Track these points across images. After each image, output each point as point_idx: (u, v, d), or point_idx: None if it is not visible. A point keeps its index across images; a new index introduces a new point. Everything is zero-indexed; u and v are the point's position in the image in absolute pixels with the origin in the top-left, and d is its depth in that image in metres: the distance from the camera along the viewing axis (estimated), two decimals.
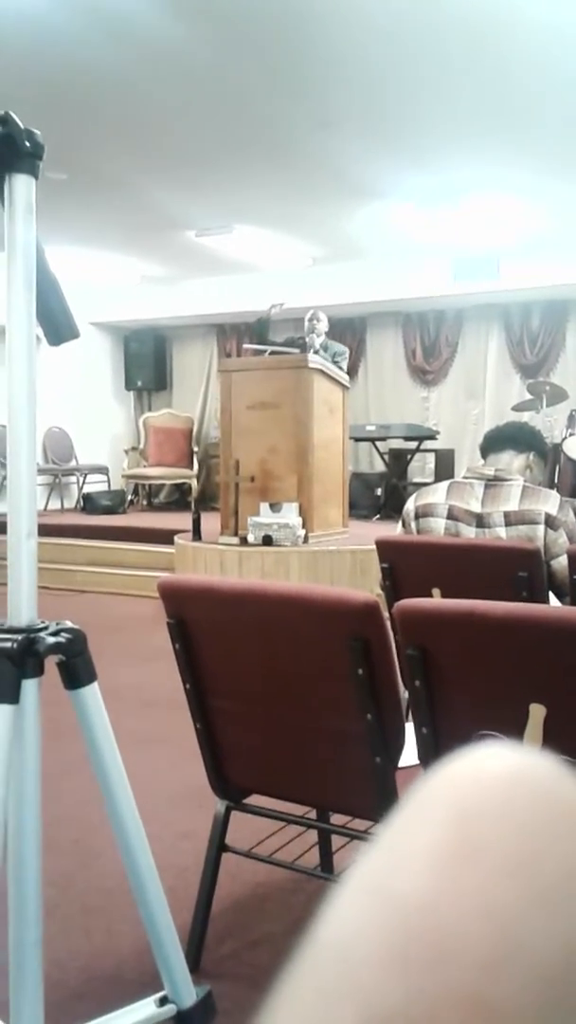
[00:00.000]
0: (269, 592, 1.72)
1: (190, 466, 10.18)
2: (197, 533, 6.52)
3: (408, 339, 9.83)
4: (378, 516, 8.48)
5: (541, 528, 2.59)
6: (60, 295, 1.21)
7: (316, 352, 6.61)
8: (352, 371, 9.53)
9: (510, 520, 2.63)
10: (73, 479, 10.06)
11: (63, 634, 1.17)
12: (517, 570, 2.44)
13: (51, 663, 1.19)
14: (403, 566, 2.71)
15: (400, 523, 2.93)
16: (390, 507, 8.35)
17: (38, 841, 1.18)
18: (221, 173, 6.29)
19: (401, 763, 1.68)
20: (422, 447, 8.77)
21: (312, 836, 2.17)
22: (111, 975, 1.91)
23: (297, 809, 1.93)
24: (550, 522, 2.59)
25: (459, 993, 0.21)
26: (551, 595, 2.61)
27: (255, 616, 1.73)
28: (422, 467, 9.22)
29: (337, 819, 1.94)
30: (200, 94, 4.94)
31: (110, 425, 10.91)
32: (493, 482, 2.70)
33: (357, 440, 8.54)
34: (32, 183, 1.15)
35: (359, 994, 0.21)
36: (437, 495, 2.78)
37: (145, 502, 10.63)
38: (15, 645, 1.13)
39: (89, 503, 9.37)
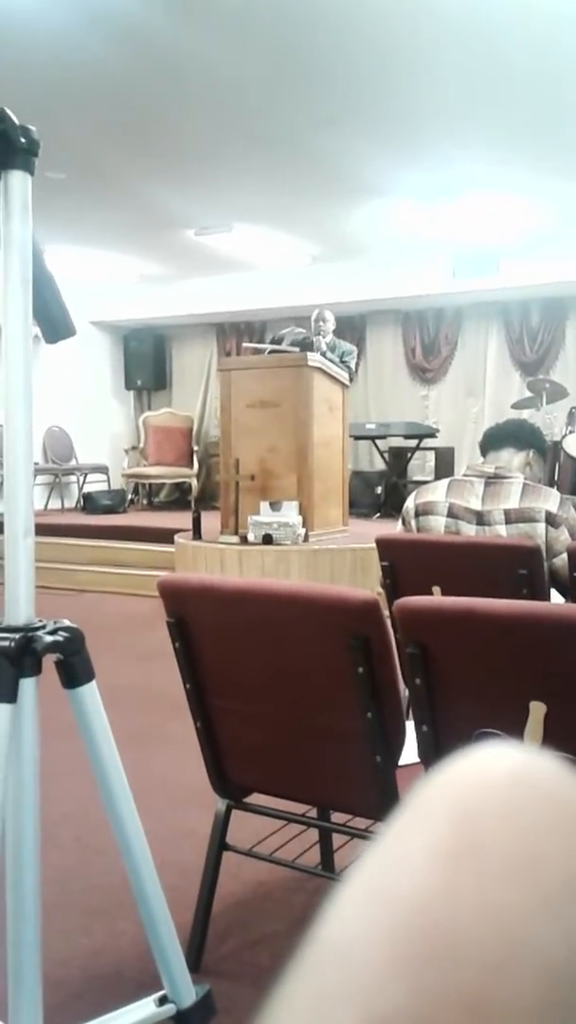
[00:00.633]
0: (269, 591, 1.72)
1: (190, 465, 10.18)
2: (197, 532, 6.52)
3: (408, 337, 9.83)
4: (378, 514, 8.48)
5: (541, 526, 2.58)
6: (56, 293, 1.21)
7: (323, 353, 6.61)
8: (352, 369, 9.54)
9: (510, 518, 2.62)
10: (73, 478, 10.06)
11: (61, 633, 1.17)
12: (517, 568, 2.44)
13: (49, 662, 1.19)
14: (403, 564, 2.70)
15: (400, 521, 2.93)
16: (390, 505, 8.35)
17: (37, 840, 1.17)
18: (220, 171, 6.29)
19: (401, 761, 1.68)
20: (422, 445, 8.77)
21: (313, 835, 2.17)
22: (111, 974, 1.90)
23: (298, 808, 1.93)
24: (551, 520, 2.58)
25: (460, 994, 0.21)
26: (553, 592, 2.60)
27: (255, 615, 1.73)
28: (422, 465, 9.22)
29: (338, 817, 1.94)
30: (199, 92, 4.94)
31: (110, 424, 10.91)
32: (493, 480, 2.69)
33: (357, 438, 8.54)
34: (28, 180, 1.14)
35: (360, 994, 0.21)
36: (437, 493, 2.78)
37: (145, 501, 10.63)
38: (13, 644, 1.12)
39: (89, 502, 9.38)
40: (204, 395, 10.88)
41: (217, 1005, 1.44)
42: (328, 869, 2.15)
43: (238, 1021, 1.60)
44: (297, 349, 6.51)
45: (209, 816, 1.99)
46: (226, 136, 5.62)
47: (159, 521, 8.24)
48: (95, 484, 10.02)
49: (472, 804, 0.25)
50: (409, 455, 8.89)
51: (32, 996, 1.17)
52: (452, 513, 2.72)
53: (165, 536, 7.22)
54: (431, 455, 8.98)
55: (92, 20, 4.11)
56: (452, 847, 0.24)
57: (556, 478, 7.46)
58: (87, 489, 9.76)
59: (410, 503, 2.86)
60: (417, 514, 2.80)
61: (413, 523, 2.81)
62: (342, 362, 6.82)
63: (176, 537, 6.80)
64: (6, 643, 1.12)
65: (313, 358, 6.25)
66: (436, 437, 8.79)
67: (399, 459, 8.94)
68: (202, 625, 1.81)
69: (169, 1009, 1.32)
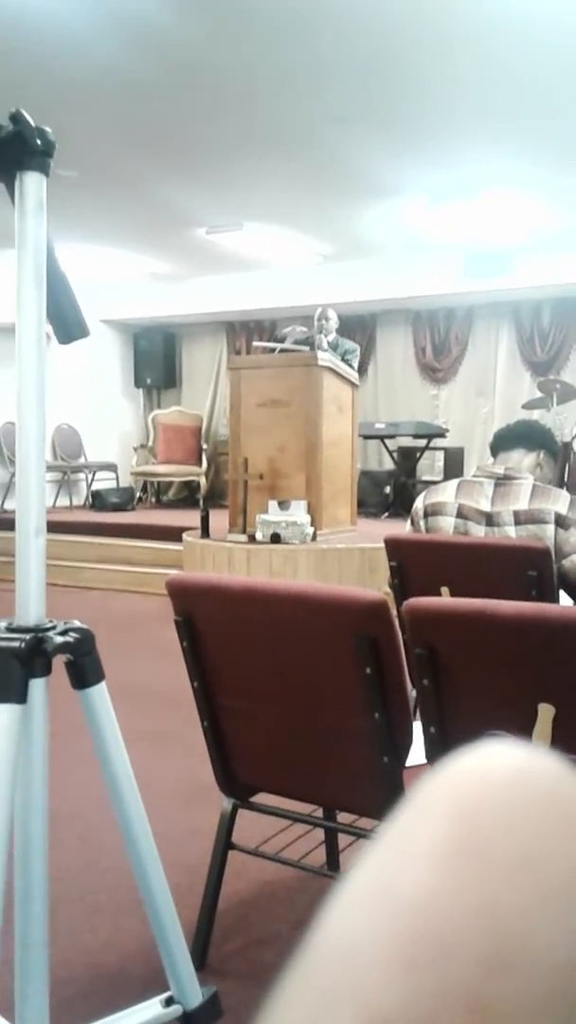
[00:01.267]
0: (277, 590, 1.72)
1: (199, 463, 10.18)
2: (205, 531, 6.52)
3: (418, 337, 9.81)
4: (387, 514, 8.47)
5: (551, 527, 2.57)
6: (70, 293, 1.21)
7: (324, 350, 6.60)
8: (361, 369, 9.50)
9: (520, 519, 2.62)
10: (82, 476, 10.08)
11: (71, 633, 1.17)
12: (527, 569, 2.43)
13: (59, 661, 1.19)
14: (412, 565, 2.70)
15: (409, 521, 2.92)
16: (399, 505, 8.34)
17: (45, 839, 1.18)
18: (231, 170, 6.29)
19: (408, 762, 1.68)
20: (431, 445, 8.76)
21: (319, 834, 2.17)
22: (117, 973, 1.91)
23: (304, 807, 1.93)
24: (560, 521, 2.57)
25: (461, 993, 0.21)
26: (562, 594, 2.60)
27: (263, 614, 1.73)
28: (431, 465, 9.21)
29: (344, 818, 1.94)
30: (210, 90, 4.94)
31: (119, 422, 10.93)
32: (503, 481, 2.69)
33: (366, 438, 8.53)
34: (43, 181, 1.14)
35: (360, 993, 0.21)
36: (446, 493, 2.77)
37: (154, 499, 10.64)
38: (23, 645, 1.12)
39: (98, 500, 9.39)
40: (213, 394, 10.88)
41: (223, 1005, 1.44)
42: (334, 869, 2.15)
43: (243, 1021, 1.60)
44: (307, 348, 6.51)
45: (214, 815, 2.00)
46: (237, 134, 5.61)
47: (167, 519, 8.25)
48: (104, 482, 10.03)
49: (473, 803, 0.25)
50: (418, 455, 8.88)
51: (39, 995, 1.17)
52: (461, 514, 2.71)
53: (173, 534, 7.22)
54: (440, 455, 8.96)
55: (105, 20, 4.11)
56: (453, 846, 0.24)
57: (566, 479, 7.44)
58: (96, 487, 9.77)
59: (419, 503, 2.86)
60: (426, 514, 2.80)
61: (422, 523, 2.81)
62: (343, 360, 6.81)
63: (184, 535, 6.80)
64: (16, 644, 1.12)
65: (323, 357, 6.25)
66: (446, 437, 8.77)
67: (408, 459, 8.93)
68: (210, 624, 1.81)
69: (176, 1010, 1.32)
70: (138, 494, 10.11)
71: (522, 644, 1.48)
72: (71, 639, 1.16)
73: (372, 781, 1.67)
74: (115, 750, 1.23)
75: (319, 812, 1.98)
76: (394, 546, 2.74)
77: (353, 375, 6.79)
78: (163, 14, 4.07)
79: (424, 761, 1.74)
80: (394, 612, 1.65)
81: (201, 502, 8.71)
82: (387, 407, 9.83)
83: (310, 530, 6.04)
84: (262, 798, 1.95)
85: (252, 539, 6.12)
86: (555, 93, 4.88)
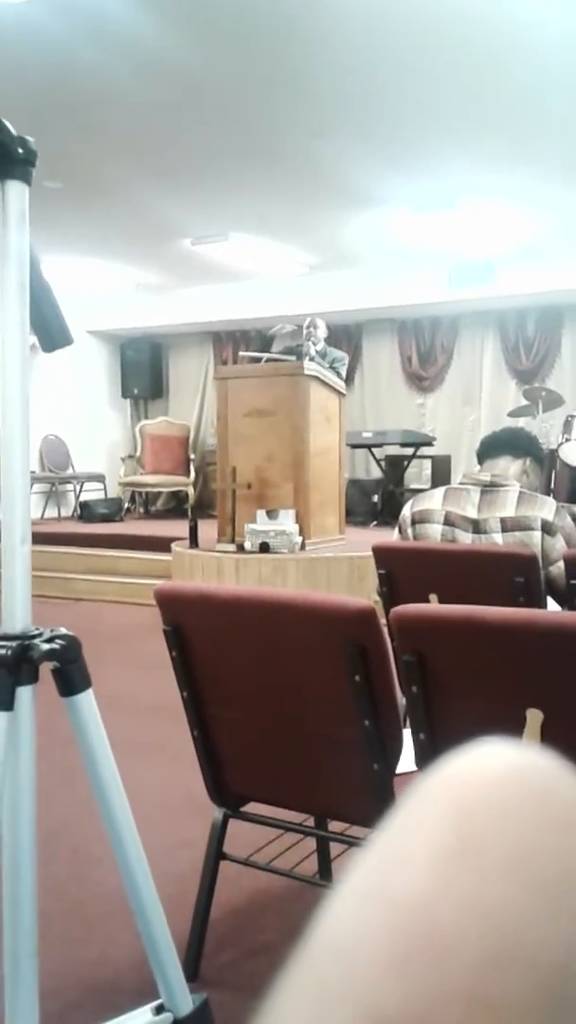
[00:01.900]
0: (266, 599, 1.72)
1: (187, 474, 10.18)
2: (194, 540, 6.52)
3: (404, 346, 9.85)
4: (375, 522, 8.48)
5: (537, 534, 2.58)
6: (53, 301, 1.21)
7: (312, 359, 6.61)
8: (348, 378, 9.52)
9: (506, 526, 2.63)
10: (70, 487, 10.06)
11: (57, 641, 1.16)
12: (514, 575, 2.44)
13: (46, 670, 1.19)
14: (400, 572, 2.70)
15: (396, 529, 2.93)
16: (387, 513, 8.35)
17: (33, 850, 1.17)
18: (216, 181, 6.31)
19: (399, 769, 1.68)
20: (418, 453, 8.78)
21: (310, 844, 2.16)
22: (108, 984, 1.90)
23: (295, 816, 1.93)
24: (547, 528, 2.58)
25: (457, 992, 0.21)
26: (549, 601, 2.60)
27: (252, 623, 1.73)
28: (419, 473, 9.23)
29: (335, 826, 1.93)
30: (194, 102, 4.96)
31: (107, 433, 10.92)
32: (489, 488, 2.70)
33: (354, 447, 8.55)
34: (25, 190, 1.15)
35: (357, 993, 0.21)
36: (433, 501, 2.78)
37: (142, 510, 10.63)
38: (9, 652, 1.12)
39: (86, 511, 9.37)
40: (201, 404, 10.89)
41: (215, 1015, 1.43)
42: (326, 878, 2.14)
43: None
44: (294, 358, 6.52)
45: (205, 825, 1.99)
46: (221, 146, 5.64)
47: (156, 530, 8.24)
48: (92, 493, 10.02)
49: (469, 802, 0.25)
50: (406, 463, 8.90)
51: (29, 1007, 1.16)
52: (448, 521, 2.72)
53: (162, 545, 7.22)
54: (428, 463, 8.99)
55: (89, 31, 4.13)
56: (449, 845, 0.24)
57: (552, 486, 7.47)
58: (84, 498, 9.76)
59: (406, 511, 2.86)
60: (413, 522, 2.80)
61: (409, 531, 2.81)
62: (331, 368, 6.82)
63: (173, 545, 6.80)
64: (2, 651, 1.12)
65: (310, 367, 6.26)
66: (432, 445, 8.80)
67: (396, 467, 8.95)
68: (199, 633, 1.81)
69: (166, 1018, 1.32)
70: (126, 505, 10.10)
71: (510, 650, 1.48)
72: (57, 646, 1.15)
73: (363, 789, 1.67)
74: (103, 758, 1.23)
75: (310, 821, 1.98)
76: (382, 554, 2.75)
77: (340, 384, 6.81)
78: (147, 27, 4.08)
79: (414, 768, 1.74)
80: (383, 620, 1.65)
81: (189, 512, 8.69)
82: (374, 416, 9.86)
83: (298, 539, 6.04)
84: (253, 807, 1.95)
85: (241, 548, 6.12)
86: (536, 104, 4.92)
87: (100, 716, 1.24)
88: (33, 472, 8.98)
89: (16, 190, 1.14)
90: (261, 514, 6.14)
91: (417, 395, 9.83)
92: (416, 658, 1.56)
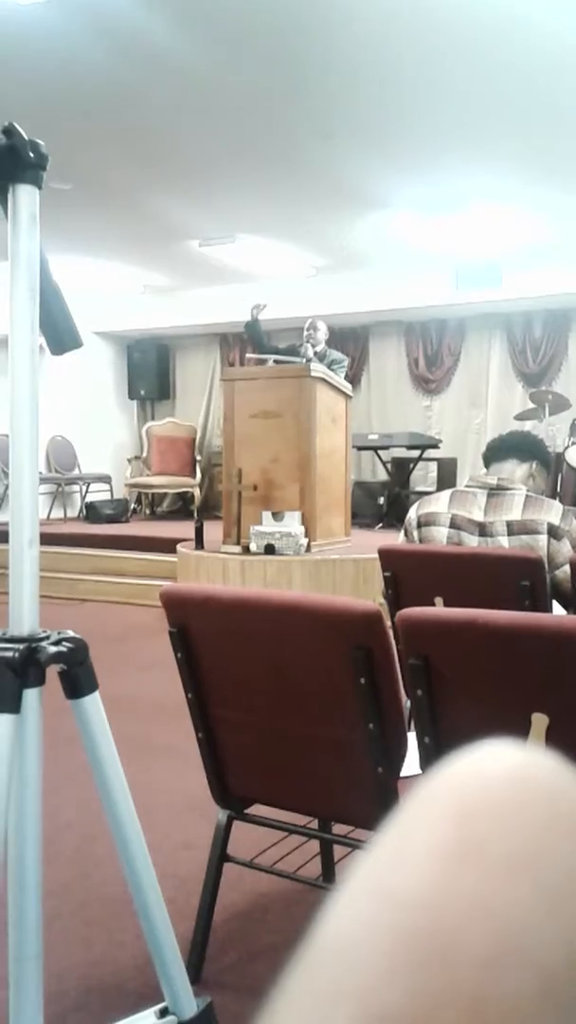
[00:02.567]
0: (271, 601, 1.72)
1: (193, 475, 10.18)
2: (200, 542, 6.52)
3: (411, 348, 9.85)
4: (380, 525, 8.47)
5: (544, 538, 2.58)
6: (63, 304, 1.22)
7: (309, 360, 6.61)
8: (355, 380, 9.54)
9: (512, 530, 2.62)
10: (76, 488, 10.07)
11: (65, 643, 1.16)
12: (520, 579, 2.43)
13: (53, 672, 1.19)
14: (405, 575, 2.70)
15: (402, 532, 2.93)
16: (392, 516, 8.34)
17: (39, 851, 1.17)
18: (224, 183, 6.31)
19: (403, 773, 1.68)
20: (424, 456, 8.77)
21: (314, 846, 2.16)
22: (111, 986, 1.90)
23: (299, 819, 1.93)
24: (553, 532, 2.58)
25: (459, 993, 0.21)
26: (554, 604, 2.60)
27: (257, 625, 1.73)
28: (424, 476, 9.22)
29: (339, 829, 1.93)
30: (204, 104, 4.97)
31: (113, 434, 10.93)
32: (496, 491, 2.69)
33: (360, 449, 8.55)
34: (36, 193, 1.15)
35: (359, 993, 0.21)
36: (440, 504, 2.78)
37: (148, 511, 10.63)
38: (16, 654, 1.12)
39: (92, 512, 9.38)
40: (207, 405, 10.90)
41: (218, 1018, 1.43)
42: (329, 881, 2.14)
43: None
44: (300, 360, 6.52)
45: (208, 827, 1.99)
46: (229, 148, 5.64)
47: (161, 531, 8.24)
48: (98, 493, 10.03)
49: (472, 802, 0.25)
50: (411, 466, 8.89)
51: (33, 1008, 1.17)
52: (454, 524, 2.71)
53: (167, 546, 7.22)
54: (433, 466, 8.98)
55: (98, 33, 4.14)
56: (452, 845, 0.24)
57: (559, 490, 7.46)
58: (90, 498, 9.77)
59: (412, 514, 2.86)
60: (419, 525, 2.80)
61: (415, 534, 2.81)
62: (330, 370, 6.81)
63: (178, 547, 6.80)
64: (10, 653, 1.12)
65: (316, 369, 6.26)
66: (439, 448, 8.79)
67: (401, 470, 8.94)
68: (204, 635, 1.81)
69: (170, 1021, 1.32)
70: (132, 506, 10.11)
71: (516, 654, 1.48)
72: (64, 649, 1.15)
73: (367, 792, 1.67)
74: (109, 760, 1.23)
75: (314, 823, 1.98)
76: (388, 557, 2.75)
77: (347, 386, 6.80)
78: (157, 28, 4.09)
79: (419, 771, 1.73)
80: (388, 622, 1.65)
81: (195, 513, 8.70)
82: (380, 418, 9.85)
83: (304, 541, 6.04)
84: (257, 810, 1.95)
85: (246, 550, 6.12)
86: (545, 107, 4.91)
87: (106, 718, 1.24)
88: (39, 473, 8.94)
89: (27, 194, 1.14)
90: (267, 516, 6.14)
91: (423, 397, 9.82)
92: (421, 661, 1.56)
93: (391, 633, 1.63)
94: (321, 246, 8.08)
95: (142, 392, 11.04)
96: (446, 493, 2.82)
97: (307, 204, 6.80)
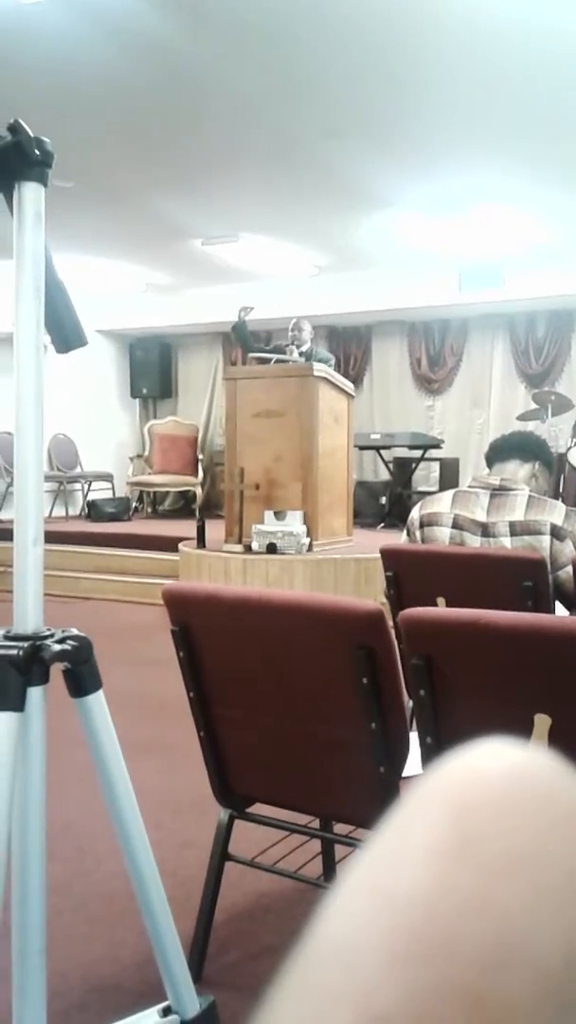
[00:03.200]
0: (273, 600, 1.72)
1: (195, 474, 10.18)
2: (201, 541, 6.52)
3: (413, 348, 9.85)
4: (383, 524, 8.47)
5: (546, 539, 2.58)
6: (68, 302, 1.22)
7: (294, 363, 6.61)
8: (357, 380, 9.55)
9: (515, 530, 2.62)
10: (78, 486, 10.07)
11: (69, 641, 1.16)
12: (522, 579, 2.43)
13: (57, 670, 1.19)
14: (408, 575, 2.70)
15: (404, 532, 2.92)
16: (395, 515, 8.34)
17: (42, 849, 1.17)
18: (227, 182, 6.31)
19: (405, 773, 1.68)
20: (427, 456, 8.77)
21: (315, 846, 2.16)
22: (113, 984, 1.90)
23: (300, 818, 1.93)
24: (556, 533, 2.58)
25: (457, 991, 0.21)
26: (557, 605, 2.60)
27: (259, 624, 1.73)
28: (427, 476, 9.22)
29: (340, 828, 1.93)
30: (207, 103, 4.97)
31: (115, 433, 10.93)
32: (498, 491, 2.69)
33: (362, 448, 8.55)
34: (41, 191, 1.15)
35: (356, 992, 0.21)
36: (442, 504, 2.78)
37: (150, 509, 10.63)
38: (21, 652, 1.12)
39: (94, 510, 9.38)
40: (209, 404, 10.90)
41: (220, 1016, 1.43)
42: (330, 880, 2.14)
43: None
44: (303, 360, 6.52)
45: (209, 826, 1.99)
46: (233, 147, 5.64)
47: (163, 529, 8.24)
48: (100, 492, 10.03)
49: (470, 800, 0.25)
50: (414, 465, 8.89)
51: (36, 1006, 1.17)
52: (457, 524, 2.71)
53: (169, 544, 7.22)
54: (436, 466, 8.98)
55: (103, 32, 4.14)
56: (450, 843, 0.24)
57: (561, 490, 7.46)
58: (92, 497, 9.77)
59: (415, 514, 2.86)
60: (422, 525, 2.80)
61: (418, 534, 2.81)
62: None
63: (180, 545, 6.80)
64: (14, 652, 1.12)
65: (319, 368, 6.26)
66: (441, 448, 8.79)
67: (404, 469, 8.94)
68: (206, 634, 1.81)
69: (173, 1020, 1.32)
70: (134, 504, 10.11)
71: (518, 655, 1.48)
72: (69, 647, 1.15)
73: (368, 791, 1.67)
74: (113, 759, 1.23)
75: (316, 823, 1.98)
76: (390, 556, 2.74)
77: (349, 386, 6.80)
78: (161, 27, 4.09)
79: (420, 771, 1.73)
80: (390, 622, 1.65)
81: (197, 512, 8.70)
82: (382, 418, 9.85)
83: (306, 540, 6.04)
84: (258, 809, 1.95)
85: (248, 549, 6.12)
86: (550, 109, 4.91)
87: (109, 716, 1.24)
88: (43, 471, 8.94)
89: (32, 191, 1.14)
90: (269, 515, 6.14)
91: (426, 397, 9.82)
92: (424, 661, 1.56)
93: (393, 633, 1.63)
94: (324, 245, 8.08)
95: (144, 391, 11.04)
96: (449, 493, 2.82)
97: (311, 203, 6.79)
